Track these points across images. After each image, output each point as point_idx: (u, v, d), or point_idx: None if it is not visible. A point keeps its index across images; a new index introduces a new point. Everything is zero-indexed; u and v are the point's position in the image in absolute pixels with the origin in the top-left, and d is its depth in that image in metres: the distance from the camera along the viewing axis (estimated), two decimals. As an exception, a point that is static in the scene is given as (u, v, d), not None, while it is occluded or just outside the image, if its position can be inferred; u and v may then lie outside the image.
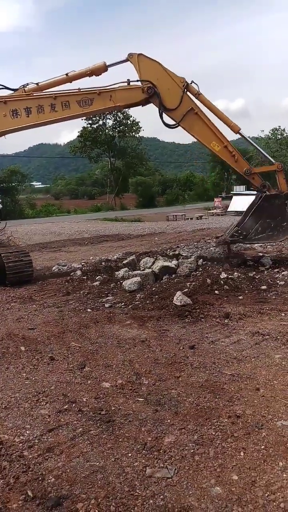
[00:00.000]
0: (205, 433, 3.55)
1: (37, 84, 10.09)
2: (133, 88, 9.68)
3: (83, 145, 60.59)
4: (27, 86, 10.12)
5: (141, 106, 10.05)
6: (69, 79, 10.02)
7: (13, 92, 10.15)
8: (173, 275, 9.25)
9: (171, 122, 9.95)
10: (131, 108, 10.81)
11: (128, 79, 9.70)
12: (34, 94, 9.85)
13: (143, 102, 9.87)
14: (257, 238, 9.57)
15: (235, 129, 9.83)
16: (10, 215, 42.06)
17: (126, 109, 58.63)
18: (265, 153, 10.58)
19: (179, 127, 9.88)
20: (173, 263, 9.74)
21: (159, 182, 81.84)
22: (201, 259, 10.29)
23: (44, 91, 10.02)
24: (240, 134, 9.89)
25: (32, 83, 10.14)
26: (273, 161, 10.28)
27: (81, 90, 9.70)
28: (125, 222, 34.62)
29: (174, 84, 9.54)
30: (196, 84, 9.71)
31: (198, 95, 9.67)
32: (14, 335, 6.32)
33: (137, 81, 9.66)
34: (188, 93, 9.68)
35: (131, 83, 9.71)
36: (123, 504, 2.79)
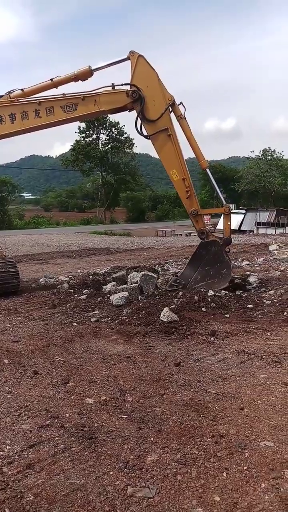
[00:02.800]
0: (188, 452, 3.52)
1: (22, 90, 9.98)
2: (118, 92, 9.51)
3: (75, 158, 60.79)
4: (12, 93, 10.00)
5: (128, 111, 9.84)
6: (54, 84, 9.90)
7: None
8: (155, 286, 9.30)
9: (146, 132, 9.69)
10: (120, 117, 10.64)
11: (112, 83, 9.51)
12: (19, 100, 9.76)
13: (129, 107, 9.65)
14: (197, 287, 9.12)
15: (204, 165, 9.73)
16: (-1, 225, 41.84)
17: (122, 126, 59.38)
18: (220, 194, 10.28)
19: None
20: (152, 274, 9.78)
21: (150, 197, 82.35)
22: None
23: (29, 97, 9.90)
24: (207, 171, 9.78)
25: (18, 89, 10.03)
26: (224, 202, 10.01)
27: (66, 95, 9.59)
28: (115, 236, 34.67)
29: (161, 98, 9.41)
30: (184, 107, 9.58)
31: (180, 118, 9.50)
32: (-2, 347, 6.23)
33: (123, 84, 9.49)
34: (171, 113, 9.52)
35: (115, 87, 9.52)
36: (103, 524, 2.73)
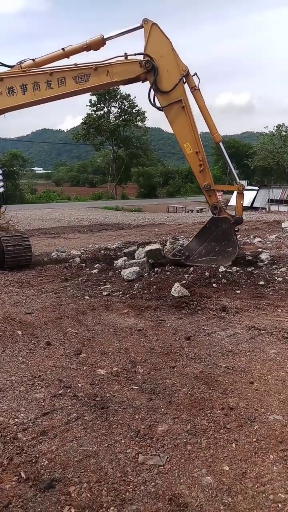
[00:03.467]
0: (198, 423, 3.59)
1: (33, 60, 9.77)
2: (131, 62, 9.26)
3: (86, 132, 60.04)
4: (24, 63, 9.82)
5: (141, 82, 9.56)
6: (65, 54, 9.69)
7: (10, 69, 9.90)
8: (162, 256, 9.40)
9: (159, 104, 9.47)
10: (131, 88, 10.32)
11: (125, 53, 9.27)
12: (30, 71, 9.56)
13: (142, 78, 9.40)
14: (200, 261, 9.08)
15: (217, 139, 9.50)
16: (11, 199, 41.94)
17: (133, 98, 58.24)
18: (234, 170, 10.09)
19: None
20: (157, 245, 9.75)
21: (161, 173, 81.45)
22: None
23: (41, 67, 9.69)
24: (220, 145, 9.57)
25: (29, 59, 9.83)
26: (238, 181, 9.83)
27: (78, 65, 9.38)
28: (126, 211, 34.56)
29: (175, 68, 9.12)
30: (199, 78, 9.27)
31: (194, 89, 9.22)
32: (11, 319, 6.34)
33: (136, 54, 9.21)
34: (185, 84, 9.27)
35: (128, 57, 9.28)
36: (115, 489, 2.82)
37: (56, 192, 65.03)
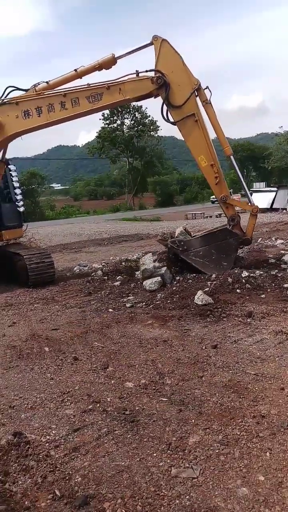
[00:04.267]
0: (229, 433, 3.54)
1: (47, 82, 9.98)
2: (142, 79, 9.29)
3: (101, 146, 60.83)
4: (38, 86, 10.03)
5: (153, 98, 9.61)
6: (78, 75, 9.83)
7: (24, 92, 10.15)
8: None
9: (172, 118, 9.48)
10: (143, 101, 10.30)
11: (136, 70, 9.31)
12: (44, 93, 9.76)
13: (155, 93, 9.43)
14: (193, 259, 9.03)
15: (228, 152, 9.39)
16: (31, 217, 42.67)
17: (145, 109, 58.80)
18: (246, 189, 9.98)
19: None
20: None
21: (178, 180, 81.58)
22: None
23: (54, 89, 9.88)
24: (231, 159, 9.45)
25: (43, 81, 10.04)
26: (252, 201, 9.70)
27: (90, 85, 9.48)
28: (144, 221, 34.67)
29: (187, 82, 9.17)
30: (210, 91, 9.29)
31: (205, 103, 9.21)
32: (38, 336, 6.42)
33: (147, 71, 9.28)
34: (197, 97, 9.25)
35: (140, 74, 9.31)
36: (149, 504, 2.80)
37: (75, 207, 65.89)
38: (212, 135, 9.41)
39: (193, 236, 9.95)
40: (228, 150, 9.42)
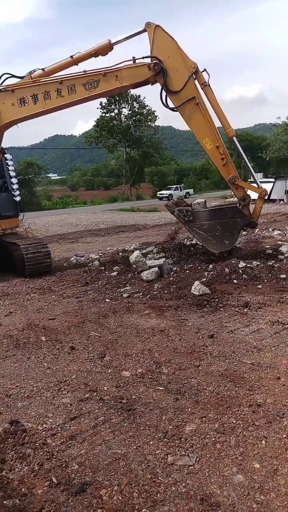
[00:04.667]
0: (226, 421, 3.56)
1: (42, 69, 9.84)
2: (139, 66, 9.20)
3: (99, 135, 60.37)
4: (34, 73, 9.88)
5: (150, 84, 9.52)
6: (74, 61, 9.71)
7: (20, 79, 10.00)
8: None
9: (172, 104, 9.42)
10: (141, 90, 10.20)
11: (133, 57, 9.21)
12: (40, 80, 9.62)
13: (152, 80, 9.34)
14: (196, 232, 9.03)
15: (230, 134, 9.35)
16: (28, 207, 42.42)
17: (143, 99, 58.28)
18: (253, 173, 9.89)
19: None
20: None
21: (175, 171, 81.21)
22: None
23: (50, 76, 9.74)
24: (233, 140, 9.40)
25: (38, 68, 9.90)
26: (260, 184, 9.66)
27: (87, 72, 9.37)
28: (142, 212, 34.55)
29: (184, 66, 9.05)
30: (208, 73, 9.18)
31: (204, 85, 9.13)
32: (35, 326, 6.42)
33: (144, 58, 9.17)
34: (195, 81, 9.17)
35: (136, 61, 9.22)
36: (146, 491, 2.82)
37: (71, 197, 65.55)
38: (216, 122, 9.32)
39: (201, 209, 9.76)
40: (230, 132, 9.37)
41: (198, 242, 9.00)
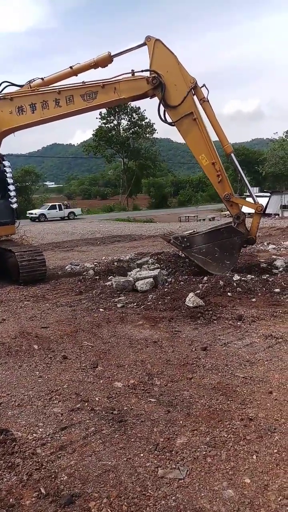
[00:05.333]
0: (217, 435, 3.54)
1: (42, 79, 9.91)
2: (138, 79, 9.24)
3: (97, 145, 60.74)
4: (33, 82, 9.96)
5: (149, 98, 9.54)
6: (73, 72, 9.77)
7: (19, 88, 10.07)
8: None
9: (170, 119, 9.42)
10: (141, 102, 10.23)
11: (132, 70, 9.25)
12: (39, 89, 9.69)
13: (150, 94, 9.36)
14: (195, 257, 8.99)
15: (228, 150, 9.34)
16: (24, 214, 42.38)
17: (142, 111, 58.77)
18: (250, 188, 9.87)
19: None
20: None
21: (172, 183, 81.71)
22: None
23: (49, 86, 9.81)
24: (231, 156, 9.41)
25: (38, 78, 9.97)
26: (257, 200, 9.56)
27: (85, 83, 9.42)
28: (138, 222, 34.66)
29: (183, 81, 9.06)
30: (207, 89, 9.22)
31: (203, 101, 9.15)
32: (27, 334, 6.38)
33: (143, 71, 9.20)
34: (194, 96, 9.20)
35: (135, 74, 9.25)
36: (135, 504, 2.79)
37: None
38: (213, 137, 9.37)
39: (196, 233, 9.80)
40: (228, 148, 9.36)
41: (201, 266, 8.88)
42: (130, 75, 9.34)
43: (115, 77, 9.33)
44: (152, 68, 9.15)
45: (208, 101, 9.21)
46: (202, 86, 9.22)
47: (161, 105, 9.29)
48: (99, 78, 9.46)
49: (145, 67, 9.25)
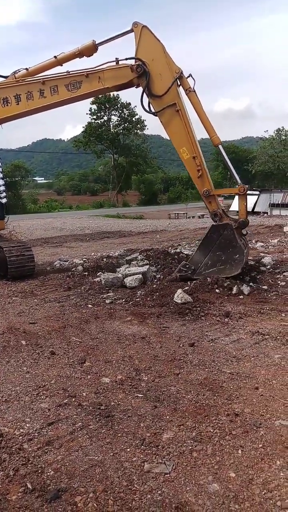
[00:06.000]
0: (203, 430, 3.58)
1: (26, 69, 9.78)
2: (122, 67, 8.99)
3: (87, 141, 60.45)
4: (18, 73, 9.84)
5: (135, 87, 9.26)
6: (58, 62, 9.62)
7: (4, 79, 9.95)
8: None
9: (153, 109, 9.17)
10: (131, 97, 9.93)
11: (116, 58, 9.02)
12: (24, 80, 9.54)
13: (136, 83, 9.11)
14: (207, 273, 8.54)
15: (216, 141, 9.07)
16: (13, 209, 42.03)
17: (134, 107, 58.53)
18: (234, 172, 9.66)
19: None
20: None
21: (162, 180, 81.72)
22: None
23: (34, 76, 9.66)
24: (219, 148, 9.18)
25: (23, 68, 9.84)
26: (239, 181, 9.11)
27: (69, 73, 9.26)
28: (127, 219, 34.63)
29: (168, 71, 8.82)
30: (194, 79, 8.95)
31: (189, 91, 8.87)
32: (15, 329, 6.35)
33: (127, 59, 8.96)
34: (180, 87, 8.94)
35: (120, 62, 9.02)
36: (121, 498, 2.81)
37: (58, 202, 65.31)
38: (200, 134, 9.22)
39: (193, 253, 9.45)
40: (216, 139, 9.07)
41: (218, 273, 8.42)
42: (114, 63, 9.10)
43: (99, 66, 9.10)
44: (138, 56, 8.89)
45: (194, 91, 8.94)
46: (188, 77, 8.98)
47: (143, 94, 9.05)
48: (86, 68, 9.26)
49: (131, 55, 8.98)
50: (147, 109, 9.21)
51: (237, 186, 9.12)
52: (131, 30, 8.97)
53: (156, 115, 9.18)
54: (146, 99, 9.16)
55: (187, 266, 8.84)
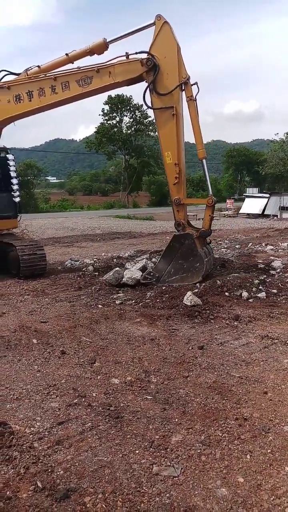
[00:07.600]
0: (212, 434, 3.59)
1: (38, 66, 9.90)
2: (132, 62, 9.00)
3: (99, 141, 60.63)
4: (30, 70, 9.96)
5: (145, 82, 9.14)
6: (69, 59, 9.72)
7: (17, 76, 10.07)
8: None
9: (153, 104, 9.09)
10: (132, 86, 9.59)
11: (126, 52, 9.01)
12: (36, 77, 9.66)
13: (145, 77, 9.04)
14: (170, 280, 8.78)
15: (200, 155, 8.98)
16: (25, 208, 42.34)
17: (146, 109, 58.54)
18: (209, 184, 9.54)
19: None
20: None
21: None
22: None
23: (46, 73, 9.75)
24: (202, 162, 9.08)
25: (35, 66, 9.97)
26: (211, 193, 9.12)
27: (80, 68, 9.32)
28: (137, 220, 34.66)
29: (176, 73, 8.79)
30: (198, 88, 9.01)
31: (190, 99, 8.89)
32: (27, 328, 6.42)
33: (137, 53, 8.94)
34: (183, 92, 8.93)
35: (130, 57, 9.02)
36: (130, 500, 2.84)
37: (69, 201, 65.61)
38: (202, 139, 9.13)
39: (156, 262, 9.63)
40: (201, 153, 9.02)
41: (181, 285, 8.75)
42: (124, 58, 9.10)
43: (109, 60, 9.13)
44: (152, 49, 8.86)
45: (195, 100, 8.95)
46: (193, 84, 8.97)
47: (148, 88, 9.01)
48: (97, 63, 9.26)
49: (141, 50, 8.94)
50: (147, 103, 9.16)
51: (208, 195, 9.14)
52: (153, 24, 8.89)
53: (152, 109, 9.20)
54: (149, 95, 9.12)
55: (152, 274, 9.03)
